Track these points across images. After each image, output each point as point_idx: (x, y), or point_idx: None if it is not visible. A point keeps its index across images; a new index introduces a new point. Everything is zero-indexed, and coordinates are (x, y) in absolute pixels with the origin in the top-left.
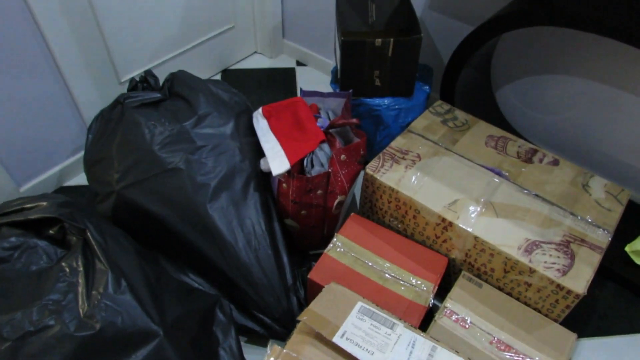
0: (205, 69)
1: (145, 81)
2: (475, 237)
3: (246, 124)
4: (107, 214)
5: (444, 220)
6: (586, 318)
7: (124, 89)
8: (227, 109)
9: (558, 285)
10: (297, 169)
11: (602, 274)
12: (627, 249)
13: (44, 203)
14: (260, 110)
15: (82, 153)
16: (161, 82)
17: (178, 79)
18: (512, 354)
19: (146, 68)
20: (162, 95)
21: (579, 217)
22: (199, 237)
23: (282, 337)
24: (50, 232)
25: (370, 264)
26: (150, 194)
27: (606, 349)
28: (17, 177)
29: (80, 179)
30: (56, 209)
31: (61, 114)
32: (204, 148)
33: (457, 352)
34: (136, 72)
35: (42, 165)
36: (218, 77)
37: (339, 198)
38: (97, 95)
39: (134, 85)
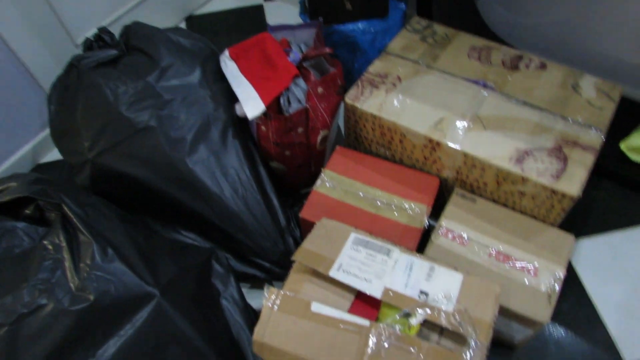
0: (167, 19)
1: (100, 39)
2: (465, 154)
3: (214, 70)
4: (86, 184)
5: (431, 140)
6: (585, 218)
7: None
8: (191, 56)
9: (552, 190)
10: (275, 109)
11: (598, 173)
12: (622, 145)
13: (14, 183)
14: (226, 52)
15: None
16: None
17: (133, 31)
18: (512, 263)
19: (101, 25)
20: (118, 52)
21: (570, 120)
22: (184, 193)
23: (283, 278)
24: (27, 212)
25: (361, 194)
26: (126, 157)
27: (606, 245)
28: None
29: (56, 154)
30: (27, 187)
31: (18, 89)
32: (173, 101)
33: (455, 269)
34: (91, 31)
35: (13, 146)
36: (183, 25)
37: (322, 133)
38: (54, 62)
39: (88, 45)
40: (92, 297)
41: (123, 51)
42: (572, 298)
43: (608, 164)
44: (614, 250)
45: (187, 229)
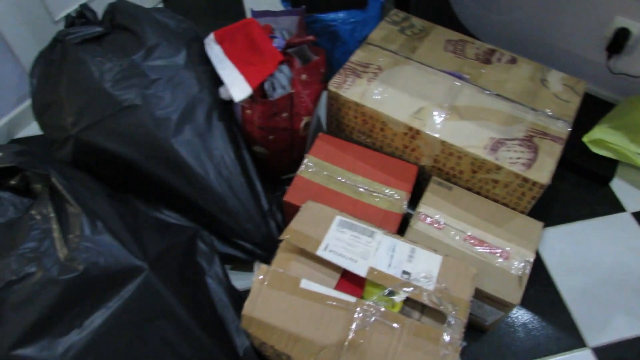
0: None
1: (82, 16)
2: (443, 142)
3: (198, 52)
4: (67, 160)
5: (410, 129)
6: (550, 208)
7: (59, 28)
8: (177, 37)
9: (524, 179)
10: (259, 93)
11: (562, 166)
12: (585, 139)
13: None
14: (211, 35)
15: (28, 101)
16: (100, 15)
17: (119, 9)
18: (485, 247)
19: (78, 4)
20: (104, 29)
21: (539, 112)
22: (168, 173)
23: (265, 260)
24: (12, 182)
25: (343, 180)
26: (110, 134)
27: (570, 234)
28: None
29: (31, 129)
30: (14, 157)
31: None
32: (158, 81)
33: (434, 251)
34: (70, 9)
35: None
36: (160, 6)
37: (305, 119)
38: (33, 37)
39: (70, 21)
40: (81, 268)
41: (108, 28)
42: (538, 284)
43: (571, 157)
44: (577, 239)
45: (170, 209)
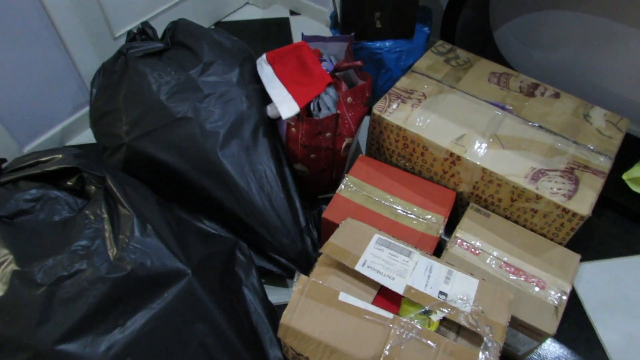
0: (198, 22)
1: (144, 33)
2: (483, 169)
3: (250, 71)
4: (118, 167)
5: (452, 154)
6: (586, 244)
7: (118, 44)
8: (231, 56)
9: (564, 209)
10: (305, 112)
11: (601, 203)
12: (624, 177)
13: (60, 155)
14: (264, 56)
15: (82, 111)
16: (159, 33)
17: (180, 27)
18: (521, 276)
19: (138, 22)
20: (164, 45)
21: (582, 145)
22: (212, 184)
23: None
24: (69, 183)
25: (381, 201)
26: (161, 144)
27: (606, 271)
28: (20, 138)
29: (82, 137)
30: (73, 159)
31: (59, 73)
32: (211, 96)
33: (471, 274)
34: (129, 27)
35: (44, 126)
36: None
37: (347, 140)
38: (93, 52)
39: (132, 37)
40: (128, 268)
41: (168, 44)
42: (572, 319)
43: (611, 194)
44: (613, 276)
45: (211, 220)
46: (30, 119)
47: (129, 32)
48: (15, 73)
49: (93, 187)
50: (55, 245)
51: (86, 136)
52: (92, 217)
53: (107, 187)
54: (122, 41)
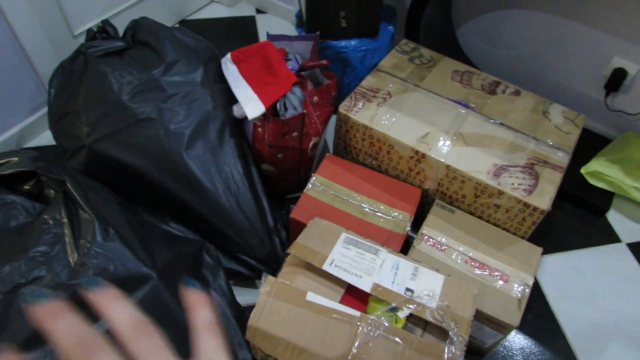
0: (162, 21)
1: (104, 31)
2: (447, 166)
3: (215, 71)
4: (78, 169)
5: (417, 152)
6: (547, 237)
7: (77, 43)
8: (195, 55)
9: (525, 204)
10: (271, 112)
11: (560, 196)
12: (583, 170)
13: (15, 158)
14: (228, 55)
15: (40, 112)
16: (120, 32)
17: (141, 26)
18: (486, 270)
19: (98, 20)
20: (125, 44)
21: (541, 141)
22: (178, 186)
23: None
24: (26, 187)
25: (348, 199)
26: (124, 145)
27: (567, 262)
28: None
29: (41, 139)
30: (30, 162)
31: (15, 72)
32: (175, 96)
33: (437, 270)
34: (88, 25)
35: (1, 126)
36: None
37: (314, 140)
38: (52, 50)
39: (92, 35)
40: (90, 273)
41: (129, 43)
42: (536, 310)
43: (569, 188)
44: (573, 267)
45: (177, 222)
46: None
47: (89, 31)
48: None
49: (52, 191)
50: (12, 252)
51: (45, 138)
52: (51, 222)
53: (67, 190)
54: (82, 39)
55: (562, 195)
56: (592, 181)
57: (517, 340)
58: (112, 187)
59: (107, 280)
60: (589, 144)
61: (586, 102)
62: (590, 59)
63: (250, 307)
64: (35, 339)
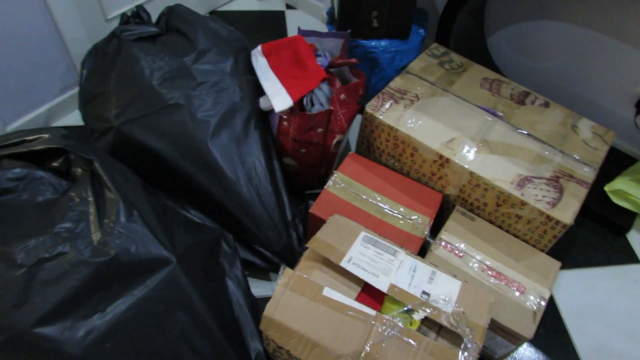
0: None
1: (138, 16)
2: (471, 173)
3: (245, 62)
4: (105, 151)
5: (441, 157)
6: (566, 252)
7: (111, 26)
8: (226, 45)
9: (547, 217)
10: (297, 106)
11: (582, 213)
12: (606, 188)
13: (46, 135)
14: (259, 48)
15: (70, 93)
16: (154, 18)
17: (176, 12)
18: (502, 280)
19: (132, 5)
20: (159, 30)
21: (568, 155)
22: (200, 173)
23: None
24: (54, 164)
25: (369, 199)
26: (151, 129)
27: (584, 279)
28: (4, 116)
29: (68, 119)
30: (60, 139)
31: (49, 52)
32: (204, 84)
33: (454, 276)
34: (122, 9)
35: (30, 104)
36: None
37: (338, 137)
38: (85, 33)
39: (125, 20)
40: (112, 253)
41: (163, 29)
42: (549, 324)
43: (592, 205)
44: (590, 285)
45: (197, 209)
46: (16, 97)
47: (123, 15)
48: (2, 48)
49: (79, 170)
50: (38, 227)
51: (72, 118)
52: (77, 200)
53: (94, 170)
54: (115, 24)
55: (584, 212)
56: (616, 200)
57: (527, 353)
58: (136, 170)
59: (128, 260)
60: (615, 162)
61: (615, 119)
62: (623, 76)
63: (264, 299)
64: (57, 313)
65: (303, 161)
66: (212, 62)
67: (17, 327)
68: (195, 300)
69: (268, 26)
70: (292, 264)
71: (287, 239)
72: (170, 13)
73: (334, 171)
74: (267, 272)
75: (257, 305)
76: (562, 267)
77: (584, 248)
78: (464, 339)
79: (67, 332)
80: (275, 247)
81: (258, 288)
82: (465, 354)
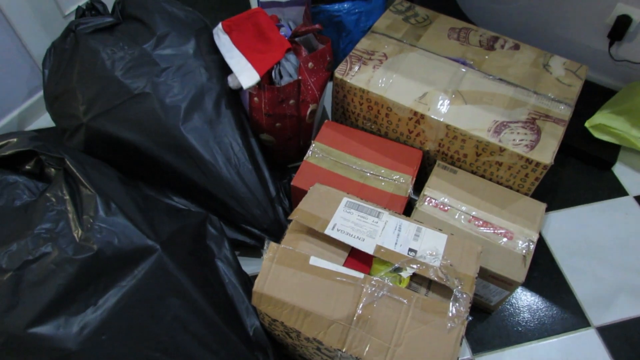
0: None
1: (93, 8)
2: (447, 125)
3: (207, 42)
4: (79, 148)
5: (415, 113)
6: (553, 193)
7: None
8: (185, 27)
9: (527, 160)
10: (267, 81)
11: (565, 151)
12: (587, 124)
13: (14, 139)
14: (220, 25)
15: (38, 95)
16: (110, 8)
17: (130, 0)
18: (490, 228)
19: None
20: (114, 19)
21: (542, 95)
22: (177, 159)
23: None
24: (27, 167)
25: (349, 165)
26: (121, 121)
27: (573, 217)
28: None
29: (41, 121)
30: (29, 142)
31: (10, 56)
32: (168, 69)
33: (440, 230)
34: (78, 3)
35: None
36: None
37: (311, 107)
38: (44, 33)
39: (81, 13)
40: (95, 247)
41: (119, 18)
42: (542, 267)
43: (574, 142)
44: (580, 222)
45: (180, 196)
46: None
47: (78, 8)
48: None
49: (52, 170)
50: (18, 230)
51: (45, 120)
52: (53, 200)
53: (66, 168)
54: (72, 19)
55: (567, 151)
56: (597, 134)
57: (523, 297)
58: (113, 163)
59: (112, 253)
60: (594, 97)
61: (589, 53)
62: (592, 7)
63: (257, 276)
64: (49, 312)
65: (280, 135)
66: (173, 46)
67: (11, 330)
68: (185, 284)
69: (232, 2)
70: (282, 239)
71: (273, 214)
72: (124, 1)
73: (312, 141)
74: (258, 249)
75: (251, 283)
76: (551, 209)
77: (571, 187)
78: (454, 290)
79: (61, 329)
80: (262, 224)
81: (252, 266)
82: (457, 304)
